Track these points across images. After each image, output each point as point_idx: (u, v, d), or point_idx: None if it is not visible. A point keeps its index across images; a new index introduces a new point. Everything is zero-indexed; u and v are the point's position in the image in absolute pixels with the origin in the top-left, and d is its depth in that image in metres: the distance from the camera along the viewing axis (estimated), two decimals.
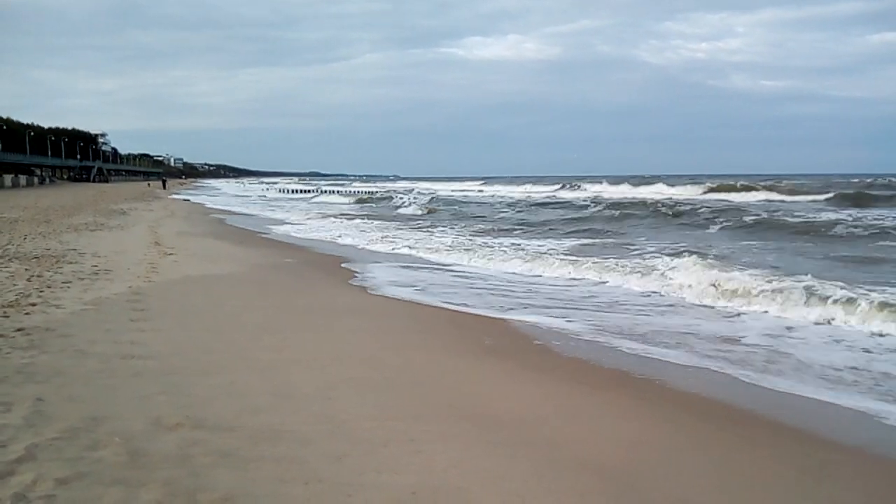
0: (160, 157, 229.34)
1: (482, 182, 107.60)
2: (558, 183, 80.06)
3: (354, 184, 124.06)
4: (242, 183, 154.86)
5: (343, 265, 15.57)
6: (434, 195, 57.97)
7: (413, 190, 72.18)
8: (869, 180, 63.12)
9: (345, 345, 7.85)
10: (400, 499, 3.96)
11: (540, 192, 67.33)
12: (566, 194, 59.31)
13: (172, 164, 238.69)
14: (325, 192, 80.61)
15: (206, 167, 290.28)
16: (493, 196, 61.99)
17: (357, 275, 14.04)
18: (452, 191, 75.01)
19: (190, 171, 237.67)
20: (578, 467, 4.58)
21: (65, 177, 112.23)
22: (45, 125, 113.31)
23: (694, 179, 73.29)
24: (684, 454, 4.97)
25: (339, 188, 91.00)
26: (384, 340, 8.21)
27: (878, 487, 4.64)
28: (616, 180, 74.35)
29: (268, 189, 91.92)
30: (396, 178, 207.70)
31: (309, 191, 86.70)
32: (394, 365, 7.03)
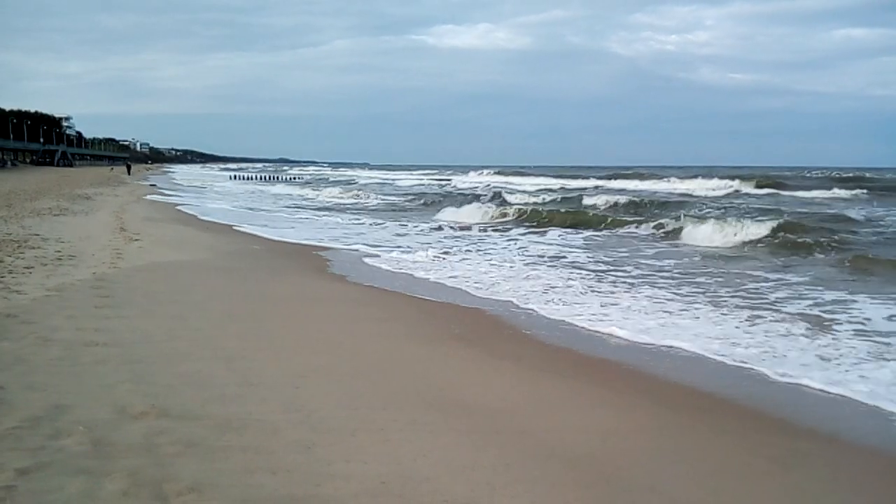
0: (126, 141, 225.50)
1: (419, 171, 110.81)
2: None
3: (294, 170, 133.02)
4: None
5: (313, 252, 15.48)
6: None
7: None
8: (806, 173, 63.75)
9: (313, 333, 7.80)
10: (368, 488, 3.93)
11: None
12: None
13: (139, 148, 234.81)
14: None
15: (174, 152, 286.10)
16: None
17: (327, 263, 13.95)
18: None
19: (156, 157, 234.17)
20: (548, 456, 4.59)
21: (27, 160, 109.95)
22: (7, 108, 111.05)
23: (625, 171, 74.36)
24: (654, 443, 5.00)
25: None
26: (353, 328, 8.16)
27: (845, 475, 4.71)
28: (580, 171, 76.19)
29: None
30: (367, 166, 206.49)
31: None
32: (363, 353, 6.99)
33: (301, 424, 4.80)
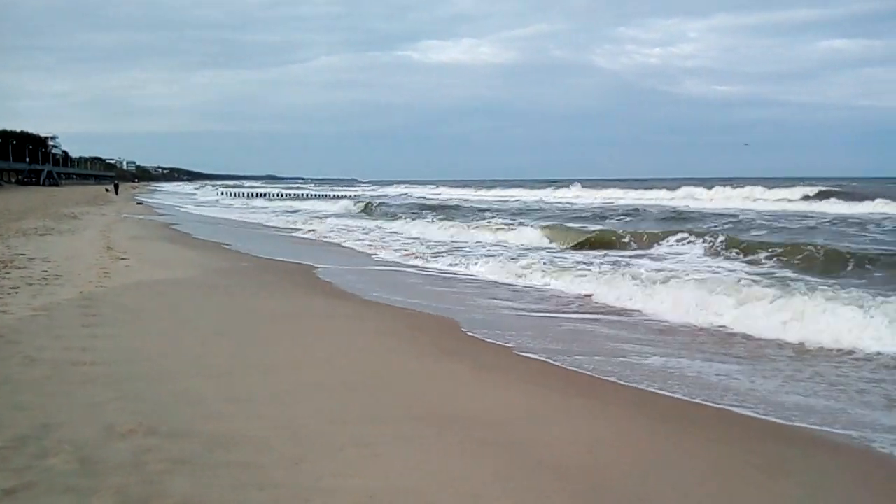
0: (112, 160, 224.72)
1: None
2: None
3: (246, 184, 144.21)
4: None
5: (302, 269, 15.47)
6: None
7: None
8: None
9: (302, 348, 7.80)
10: (357, 502, 3.94)
11: None
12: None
13: (125, 167, 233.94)
14: None
15: (160, 170, 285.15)
16: None
17: (316, 280, 13.95)
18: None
19: (143, 175, 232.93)
20: (537, 467, 4.60)
21: (13, 180, 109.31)
22: None
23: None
24: (642, 452, 5.03)
25: None
26: (342, 343, 8.17)
27: (829, 482, 4.75)
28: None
29: None
30: (355, 182, 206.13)
31: None
32: (352, 368, 7.00)
33: (289, 440, 4.80)
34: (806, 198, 43.69)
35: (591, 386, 6.75)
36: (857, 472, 4.94)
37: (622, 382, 6.84)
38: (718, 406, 6.18)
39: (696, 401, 6.32)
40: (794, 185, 50.92)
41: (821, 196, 43.10)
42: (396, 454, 4.67)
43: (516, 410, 5.90)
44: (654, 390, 6.60)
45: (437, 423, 5.37)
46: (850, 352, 8.01)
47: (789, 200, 43.01)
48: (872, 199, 36.57)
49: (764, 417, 5.90)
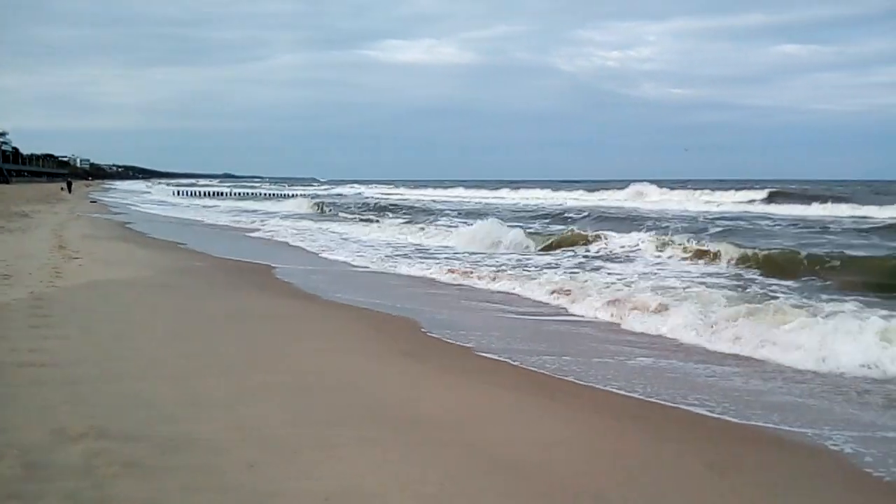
0: (66, 157, 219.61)
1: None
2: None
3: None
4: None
5: (259, 268, 15.31)
6: None
7: None
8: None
9: (258, 349, 7.70)
10: None
11: None
12: None
13: (79, 164, 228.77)
14: None
15: (115, 168, 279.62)
16: None
17: (273, 280, 13.82)
18: None
19: (97, 173, 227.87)
20: (496, 468, 4.59)
21: None
22: None
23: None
24: (597, 452, 5.05)
25: None
26: (299, 344, 8.09)
27: (780, 480, 4.81)
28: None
29: None
30: (314, 181, 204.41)
31: None
32: (309, 369, 6.93)
33: (244, 442, 4.73)
34: (753, 200, 44.70)
35: (551, 386, 6.78)
36: (811, 470, 5.02)
37: (581, 382, 6.88)
38: (675, 405, 6.24)
39: (653, 400, 6.37)
40: (751, 188, 52.33)
41: (776, 197, 44.10)
42: (355, 456, 4.63)
43: (475, 410, 5.89)
44: (612, 390, 6.64)
45: (396, 425, 5.33)
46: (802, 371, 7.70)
47: (745, 202, 43.99)
48: (826, 201, 37.56)
49: (720, 416, 5.97)
